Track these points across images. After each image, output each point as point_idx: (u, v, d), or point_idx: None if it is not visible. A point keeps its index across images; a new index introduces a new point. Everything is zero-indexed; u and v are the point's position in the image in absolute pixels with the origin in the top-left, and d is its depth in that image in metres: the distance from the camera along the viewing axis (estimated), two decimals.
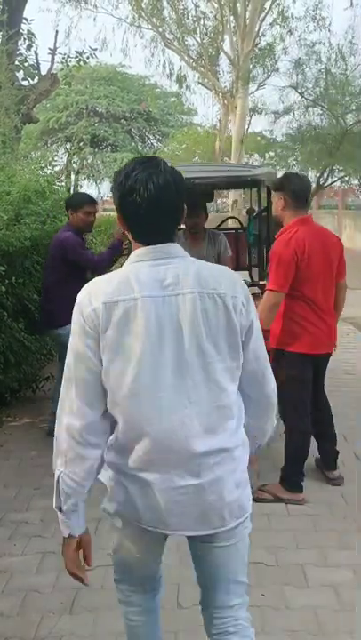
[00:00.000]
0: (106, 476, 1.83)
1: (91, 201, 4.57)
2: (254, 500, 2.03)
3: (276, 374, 1.95)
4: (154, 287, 1.66)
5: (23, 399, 5.61)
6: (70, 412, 1.70)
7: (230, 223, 7.73)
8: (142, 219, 1.71)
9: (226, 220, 6.65)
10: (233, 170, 4.65)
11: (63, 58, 12.00)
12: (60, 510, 1.79)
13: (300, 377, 3.65)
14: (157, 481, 1.70)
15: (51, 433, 5.00)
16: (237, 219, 6.67)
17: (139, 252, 1.74)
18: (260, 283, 4.32)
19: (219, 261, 4.78)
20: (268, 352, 1.94)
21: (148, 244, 1.73)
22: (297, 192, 3.58)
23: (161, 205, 1.68)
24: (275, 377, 1.92)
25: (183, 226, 4.96)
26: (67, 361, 1.72)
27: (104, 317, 1.64)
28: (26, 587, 2.93)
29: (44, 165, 5.86)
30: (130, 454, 1.72)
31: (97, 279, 1.77)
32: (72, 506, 1.76)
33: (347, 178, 19.81)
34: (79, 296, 1.72)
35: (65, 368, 1.73)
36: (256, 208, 5.52)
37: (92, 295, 1.68)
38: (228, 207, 21.64)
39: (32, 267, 5.02)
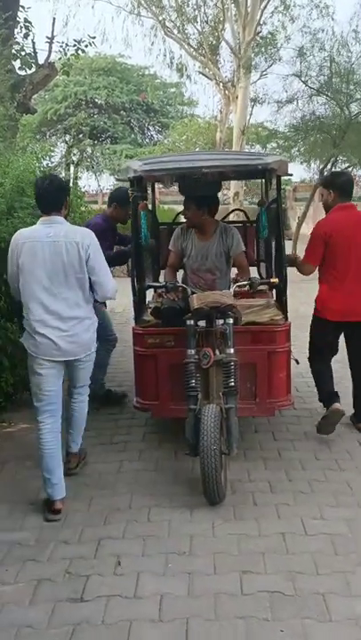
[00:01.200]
0: (25, 337, 3.58)
1: None
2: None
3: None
4: (43, 236, 3.45)
5: (19, 403, 5.31)
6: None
7: (232, 216, 7.40)
8: (40, 200, 3.56)
9: (230, 212, 6.23)
10: (243, 158, 4.29)
11: (61, 46, 11.60)
12: None
13: (316, 335, 4.58)
14: (47, 332, 3.46)
15: None
16: (244, 211, 6.30)
17: (40, 219, 3.59)
18: (271, 281, 4.00)
19: (229, 258, 4.46)
20: None
21: (45, 214, 3.55)
22: (342, 187, 4.41)
23: (48, 194, 3.52)
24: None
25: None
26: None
27: (20, 249, 3.45)
28: (18, 621, 2.64)
29: (40, 156, 5.50)
30: (33, 320, 3.46)
31: (22, 230, 3.66)
32: None
33: (351, 169, 19.47)
34: (14, 237, 3.57)
35: None
36: (266, 200, 5.21)
37: (18, 237, 3.52)
38: (230, 199, 21.27)
39: None
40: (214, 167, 3.85)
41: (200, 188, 4.20)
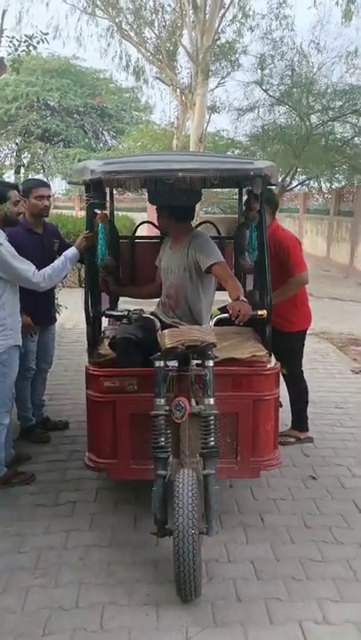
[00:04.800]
0: None
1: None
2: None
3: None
4: None
5: None
6: None
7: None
8: None
9: (197, 225, 5.19)
10: (230, 161, 3.47)
11: (11, 41, 10.71)
12: None
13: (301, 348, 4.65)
14: None
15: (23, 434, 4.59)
16: (213, 223, 5.49)
17: None
18: (259, 313, 3.23)
19: (201, 274, 3.66)
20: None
21: None
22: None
23: None
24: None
25: None
26: None
27: None
28: None
29: None
30: None
31: None
32: None
33: (308, 182, 19.12)
34: None
35: None
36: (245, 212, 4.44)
37: None
38: None
39: None
40: (195, 171, 3.02)
41: (175, 196, 3.38)
